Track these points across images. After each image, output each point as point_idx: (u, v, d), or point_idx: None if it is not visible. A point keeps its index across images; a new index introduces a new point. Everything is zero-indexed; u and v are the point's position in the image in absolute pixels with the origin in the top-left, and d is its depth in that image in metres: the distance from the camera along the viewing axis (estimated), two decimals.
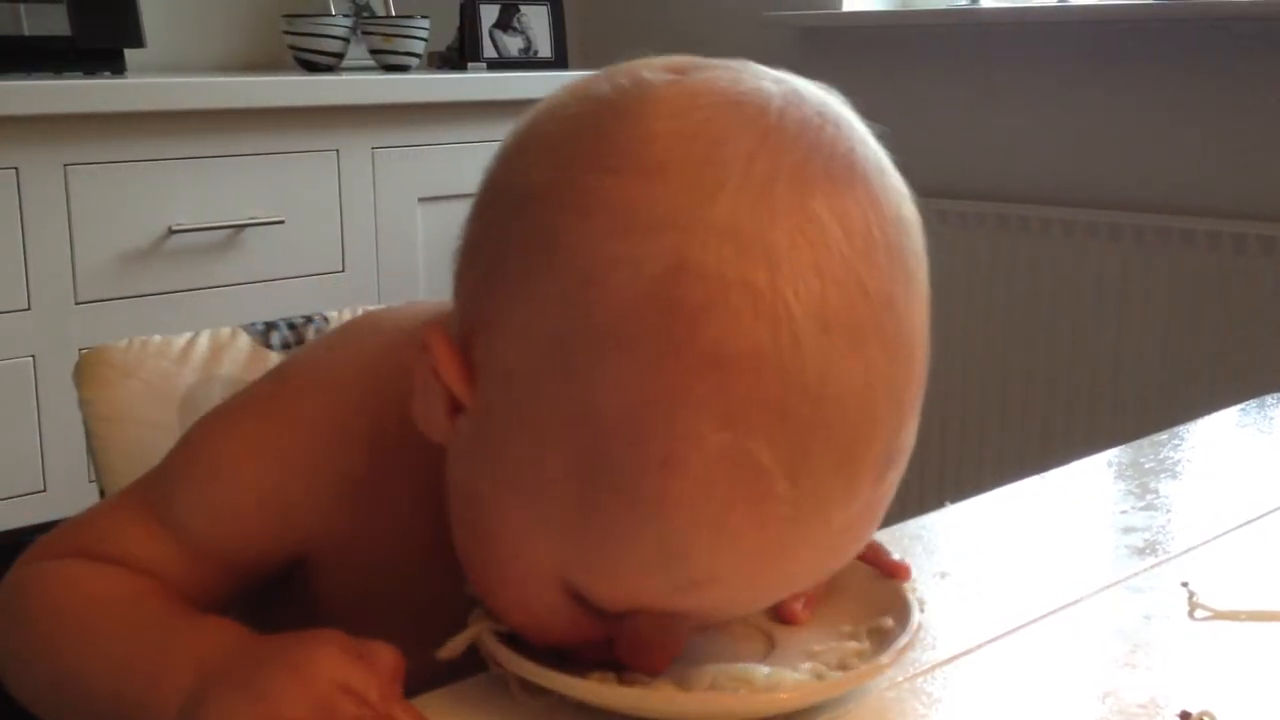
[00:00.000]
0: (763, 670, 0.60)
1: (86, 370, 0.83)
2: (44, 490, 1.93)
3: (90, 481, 1.97)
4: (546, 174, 0.54)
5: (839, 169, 0.53)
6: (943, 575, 0.76)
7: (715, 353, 0.49)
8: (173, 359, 0.85)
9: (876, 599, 0.66)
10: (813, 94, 0.56)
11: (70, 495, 1.95)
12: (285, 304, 2.00)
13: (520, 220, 0.54)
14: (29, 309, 1.89)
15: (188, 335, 0.88)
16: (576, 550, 0.55)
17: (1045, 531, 0.84)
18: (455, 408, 0.57)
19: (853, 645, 0.63)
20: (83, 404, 0.83)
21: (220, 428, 0.67)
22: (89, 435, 0.83)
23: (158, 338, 0.87)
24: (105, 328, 1.96)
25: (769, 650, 0.65)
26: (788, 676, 0.59)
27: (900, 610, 0.64)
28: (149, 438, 0.81)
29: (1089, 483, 0.94)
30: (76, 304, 1.94)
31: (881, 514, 0.57)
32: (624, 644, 0.59)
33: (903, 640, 0.62)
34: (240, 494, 0.65)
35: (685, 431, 0.50)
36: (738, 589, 0.55)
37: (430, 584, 0.65)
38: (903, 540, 0.80)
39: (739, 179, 0.50)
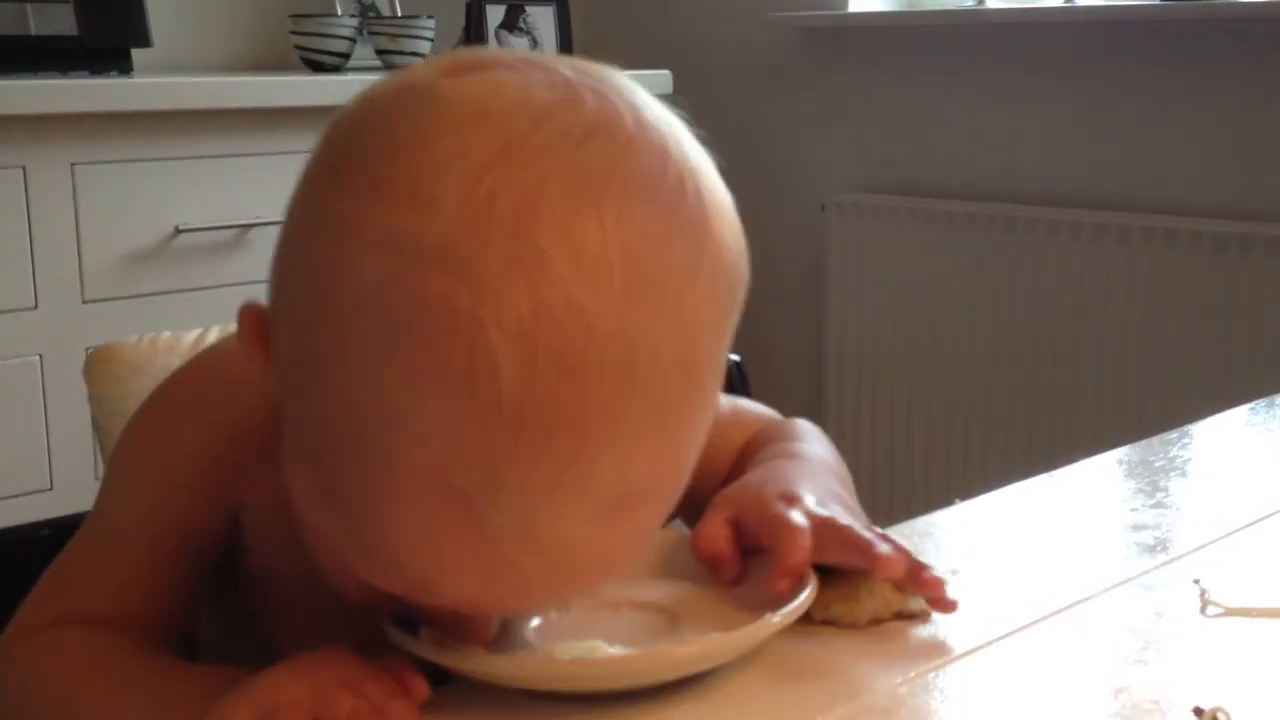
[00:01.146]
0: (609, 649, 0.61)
1: (96, 366, 0.83)
2: (50, 488, 1.93)
3: (96, 480, 1.97)
4: (302, 185, 0.56)
5: (587, 188, 0.50)
6: (953, 572, 0.76)
7: (413, 374, 0.49)
8: (182, 355, 0.85)
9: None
10: (596, 102, 0.53)
11: (76, 493, 1.95)
12: None
13: (283, 229, 0.56)
14: (36, 308, 1.90)
15: (197, 331, 0.88)
16: (338, 538, 0.57)
17: (1055, 529, 0.84)
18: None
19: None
20: (92, 400, 0.83)
21: (136, 438, 0.70)
22: (97, 430, 0.83)
23: (167, 334, 0.87)
24: (112, 327, 1.95)
25: (671, 628, 0.66)
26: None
27: (803, 583, 0.64)
28: None
29: (1098, 481, 0.94)
30: (83, 303, 1.94)
31: (639, 543, 0.56)
32: (434, 616, 0.60)
33: (792, 605, 0.62)
34: (170, 485, 0.68)
35: (387, 448, 0.51)
36: (469, 599, 0.56)
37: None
38: (913, 537, 0.80)
39: (461, 197, 0.49)
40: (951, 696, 0.62)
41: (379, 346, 0.50)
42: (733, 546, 0.67)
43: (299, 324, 0.54)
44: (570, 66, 0.54)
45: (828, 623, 0.68)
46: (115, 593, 0.67)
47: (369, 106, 0.55)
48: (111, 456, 0.72)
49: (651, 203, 0.51)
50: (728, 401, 0.86)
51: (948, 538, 0.82)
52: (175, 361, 0.84)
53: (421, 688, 0.57)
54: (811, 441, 0.78)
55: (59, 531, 0.78)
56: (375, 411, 0.51)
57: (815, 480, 0.71)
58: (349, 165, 0.53)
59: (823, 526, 0.66)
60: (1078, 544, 0.82)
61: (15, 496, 1.90)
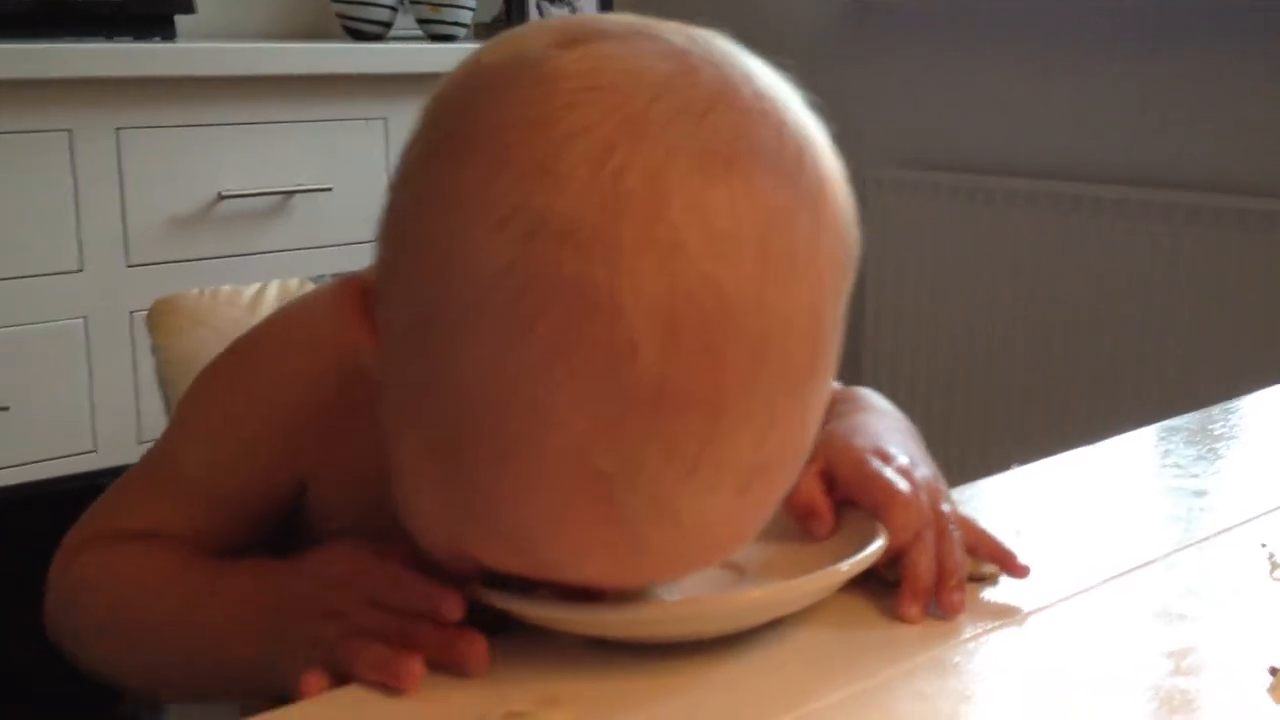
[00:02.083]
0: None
1: (159, 318, 0.84)
2: (94, 450, 1.95)
3: (140, 443, 1.99)
4: (413, 159, 0.54)
5: (713, 162, 0.49)
6: (1017, 532, 0.75)
7: (549, 353, 0.48)
8: (242, 308, 0.85)
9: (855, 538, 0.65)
10: (711, 72, 0.52)
11: (120, 455, 1.96)
12: (331, 270, 2.00)
13: (394, 203, 0.55)
14: (81, 271, 1.91)
15: (257, 285, 0.89)
16: (454, 518, 0.55)
17: (1118, 493, 0.84)
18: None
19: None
20: (155, 350, 0.84)
21: (210, 388, 0.70)
22: (161, 381, 0.83)
23: (227, 287, 0.87)
24: (156, 291, 1.94)
25: (738, 582, 0.66)
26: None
27: (869, 536, 0.64)
28: None
29: (1159, 447, 0.93)
30: (128, 267, 1.95)
31: (764, 516, 0.56)
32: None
33: (862, 555, 0.62)
34: (237, 444, 0.68)
35: (521, 429, 0.50)
36: (596, 577, 0.55)
37: (384, 519, 0.64)
38: (973, 500, 0.80)
39: (588, 174, 0.48)
40: (1016, 655, 0.61)
41: (513, 329, 0.49)
42: (826, 499, 0.66)
43: (420, 303, 0.53)
44: (679, 34, 0.54)
45: (899, 582, 0.68)
46: (170, 526, 0.68)
47: (478, 79, 0.54)
48: (183, 399, 0.72)
49: (774, 174, 0.51)
50: None
51: (1008, 501, 0.81)
52: (236, 314, 0.84)
53: (455, 607, 0.57)
54: (881, 403, 0.78)
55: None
56: (510, 395, 0.50)
57: (899, 436, 0.71)
58: (464, 141, 0.51)
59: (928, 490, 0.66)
60: (1140, 508, 0.81)
61: (59, 458, 1.91)
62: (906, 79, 2.59)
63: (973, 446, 2.46)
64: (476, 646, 0.57)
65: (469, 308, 0.50)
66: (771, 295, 0.50)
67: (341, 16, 2.38)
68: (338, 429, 0.67)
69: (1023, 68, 2.44)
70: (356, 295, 0.57)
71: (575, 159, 0.48)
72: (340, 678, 0.56)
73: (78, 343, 1.92)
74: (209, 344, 0.83)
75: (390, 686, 0.55)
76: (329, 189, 2.12)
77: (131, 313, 1.96)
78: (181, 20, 2.20)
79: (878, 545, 0.63)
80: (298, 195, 2.10)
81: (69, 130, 1.87)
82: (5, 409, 1.84)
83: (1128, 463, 0.90)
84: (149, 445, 2.03)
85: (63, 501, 0.79)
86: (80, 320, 1.91)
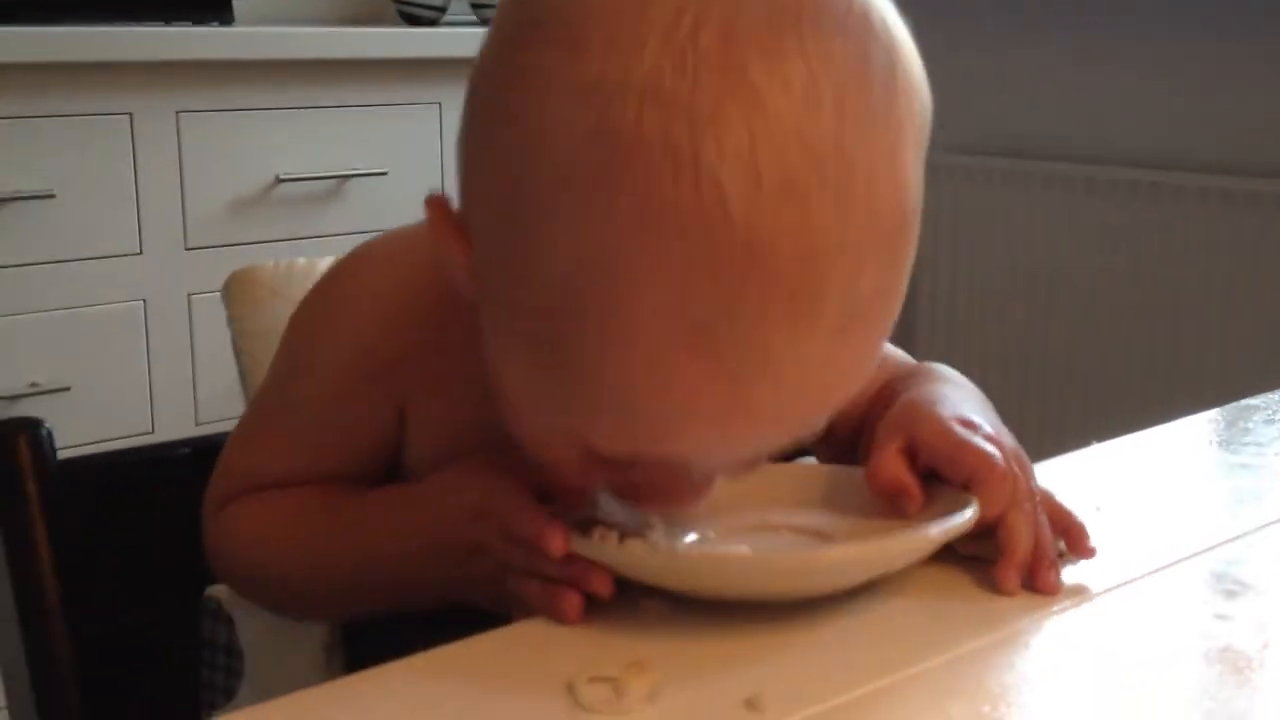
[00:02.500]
0: None
1: (236, 289, 0.84)
2: (152, 432, 1.96)
3: (197, 424, 2.00)
4: (495, 47, 0.56)
5: (782, 19, 0.51)
6: (1097, 509, 0.75)
7: (639, 214, 0.50)
8: (317, 280, 0.85)
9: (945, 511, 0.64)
10: None
11: (177, 437, 1.97)
12: None
13: (477, 95, 0.57)
14: (141, 253, 1.92)
15: (330, 257, 0.88)
16: (560, 406, 0.57)
17: (1198, 470, 0.83)
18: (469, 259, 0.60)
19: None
20: (231, 321, 0.84)
21: (304, 323, 0.72)
22: (237, 352, 0.84)
23: (302, 260, 0.87)
24: (215, 273, 1.96)
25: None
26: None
27: (960, 506, 0.63)
28: None
29: (1238, 425, 0.92)
30: (186, 250, 1.96)
31: (862, 367, 0.57)
32: (644, 490, 0.60)
33: (953, 521, 0.61)
34: (336, 370, 0.69)
35: (619, 293, 0.51)
36: (703, 442, 0.56)
37: (488, 442, 0.66)
38: (1052, 476, 0.79)
39: (662, 36, 0.50)
40: (1095, 631, 0.60)
41: (600, 192, 0.50)
42: (912, 475, 0.65)
43: (508, 187, 0.54)
44: None
45: (972, 558, 0.67)
46: (294, 471, 0.70)
47: None
48: (282, 341, 0.73)
49: (842, 32, 0.52)
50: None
51: (1089, 478, 0.81)
52: (311, 286, 0.84)
53: (558, 541, 0.58)
54: (956, 376, 0.77)
55: (199, 451, 0.78)
56: (604, 258, 0.51)
57: (979, 406, 0.70)
58: (542, 25, 0.53)
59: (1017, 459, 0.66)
60: (1220, 486, 0.80)
61: (117, 439, 1.93)
62: (955, 64, 2.57)
63: (1028, 433, 2.44)
64: (571, 599, 0.58)
65: (556, 181, 0.51)
66: (851, 142, 0.51)
67: (396, 1, 2.39)
68: (432, 349, 0.68)
69: (1078, 52, 2.42)
70: (443, 208, 0.59)
71: (650, 25, 0.50)
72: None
73: (137, 325, 1.93)
74: (285, 316, 0.82)
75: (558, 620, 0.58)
76: (384, 173, 2.13)
77: (190, 295, 1.97)
78: (239, 4, 2.21)
79: (970, 513, 0.62)
80: (354, 179, 2.11)
81: (130, 114, 1.88)
82: (67, 389, 1.86)
83: (1206, 441, 0.89)
84: (206, 428, 2.04)
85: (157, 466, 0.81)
86: (140, 302, 1.93)
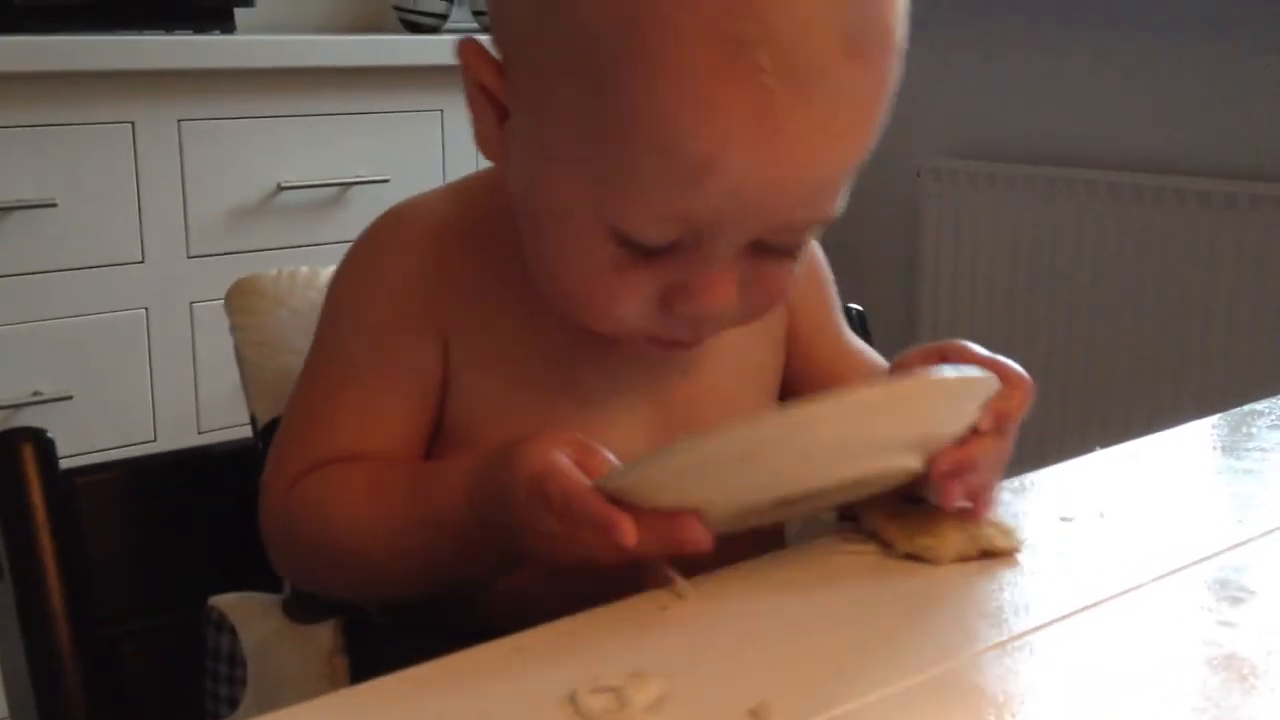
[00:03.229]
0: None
1: (238, 298, 0.84)
2: (154, 440, 1.96)
3: (200, 432, 2.00)
4: None
5: None
6: (1101, 515, 0.75)
7: None
8: (319, 289, 0.85)
9: None
10: None
11: (180, 445, 1.97)
12: None
13: None
14: (143, 262, 1.92)
15: (332, 266, 0.88)
16: (599, 177, 0.61)
17: (1202, 476, 0.83)
18: (502, 115, 0.67)
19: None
20: (234, 330, 0.84)
21: (351, 279, 0.74)
22: (240, 361, 0.84)
23: (305, 268, 0.87)
24: (216, 281, 1.96)
25: None
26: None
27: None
28: (297, 365, 0.81)
29: (1243, 431, 0.92)
30: (189, 258, 1.97)
31: (878, 96, 0.62)
32: (674, 296, 0.64)
33: (969, 373, 0.65)
34: (384, 327, 0.71)
35: (655, 20, 0.57)
36: (742, 175, 0.59)
37: (536, 367, 0.71)
38: (1056, 481, 0.79)
39: None
40: (1100, 638, 0.60)
41: None
42: None
43: None
44: None
45: (911, 557, 0.67)
46: (360, 440, 0.70)
47: None
48: (322, 314, 0.75)
49: None
50: (861, 343, 0.86)
51: (1092, 484, 0.80)
52: (314, 295, 0.84)
53: (629, 529, 0.58)
54: None
55: (202, 458, 0.78)
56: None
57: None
58: None
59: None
60: (1225, 491, 0.80)
61: (120, 447, 1.93)
62: (961, 69, 2.57)
63: (1030, 439, 2.44)
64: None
65: None
66: None
67: (398, 9, 2.39)
68: (478, 281, 0.72)
69: (1080, 56, 2.42)
70: (473, 45, 0.67)
71: None
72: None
73: (139, 332, 1.93)
74: (288, 324, 0.83)
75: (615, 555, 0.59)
76: (386, 180, 2.13)
77: (192, 303, 1.97)
78: (240, 13, 2.21)
79: (989, 376, 0.65)
80: (356, 186, 2.11)
81: (132, 122, 1.88)
82: (69, 398, 1.86)
83: (1210, 446, 0.89)
84: (209, 435, 2.04)
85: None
86: (142, 310, 1.93)
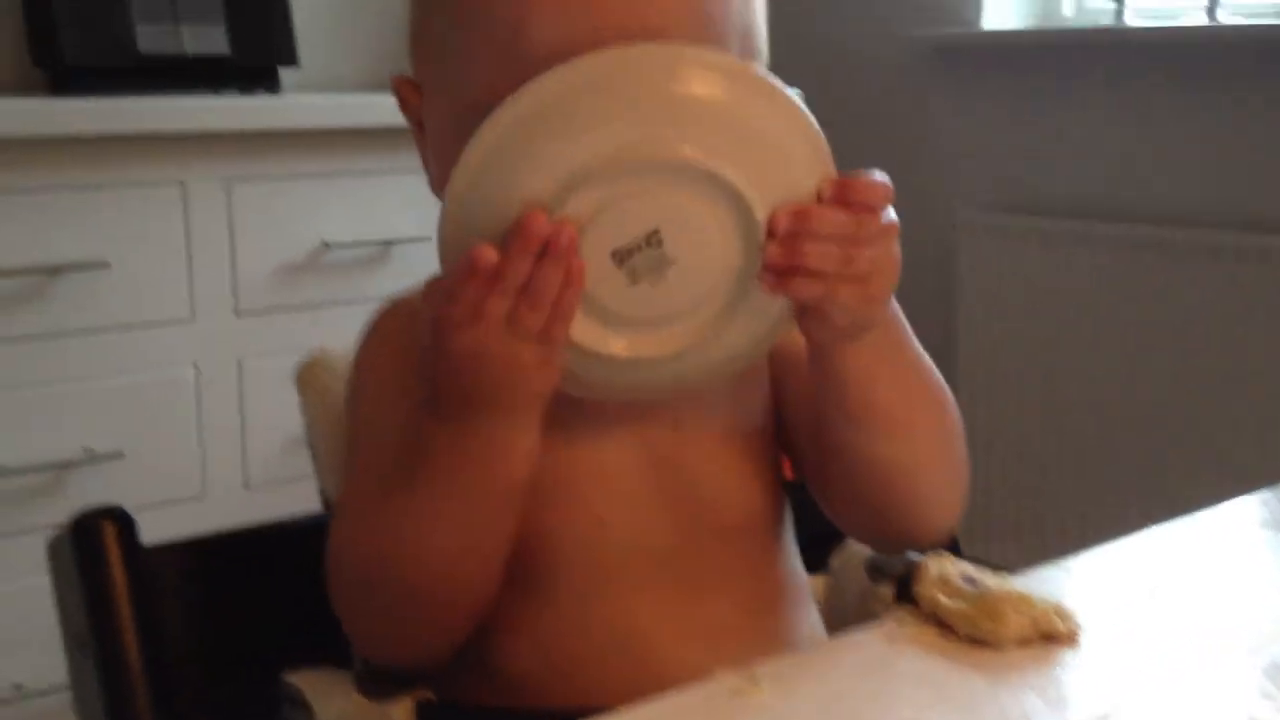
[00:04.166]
0: None
1: (307, 375, 0.86)
2: (202, 497, 1.99)
3: (246, 488, 2.03)
4: None
5: None
6: (1151, 594, 0.76)
7: None
8: None
9: None
10: None
11: (228, 502, 2.00)
12: None
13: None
14: (193, 319, 1.96)
15: None
16: (454, 88, 0.70)
17: (1253, 553, 0.83)
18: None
19: None
20: (303, 408, 0.86)
21: (354, 374, 0.79)
22: (310, 437, 0.86)
23: None
24: (263, 339, 2.01)
25: None
26: None
27: None
28: None
29: None
30: (236, 315, 2.00)
31: None
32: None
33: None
34: (407, 395, 0.73)
35: None
36: (548, 32, 0.65)
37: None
38: (1104, 561, 0.80)
39: None
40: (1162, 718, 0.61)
41: None
42: None
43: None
44: None
45: (974, 640, 0.67)
46: None
47: None
48: (348, 412, 0.78)
49: None
50: None
51: (1143, 562, 0.81)
52: None
53: (488, 252, 0.63)
54: None
55: (281, 534, 0.81)
56: None
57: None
58: None
59: None
60: (1277, 571, 0.81)
61: (168, 504, 1.96)
62: (998, 122, 2.59)
63: (1071, 493, 2.44)
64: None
65: None
66: None
67: None
68: None
69: (1118, 111, 2.43)
70: (402, 83, 0.76)
71: None
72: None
73: (188, 389, 1.96)
74: None
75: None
76: (428, 238, 2.15)
77: (240, 359, 2.00)
78: (285, 72, 2.26)
79: (804, 120, 0.64)
80: (399, 244, 2.14)
81: (182, 182, 1.92)
82: (120, 455, 1.89)
83: (1260, 522, 0.89)
84: (256, 491, 2.06)
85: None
86: (191, 367, 1.96)
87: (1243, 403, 2.22)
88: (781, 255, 0.63)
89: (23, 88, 2.19)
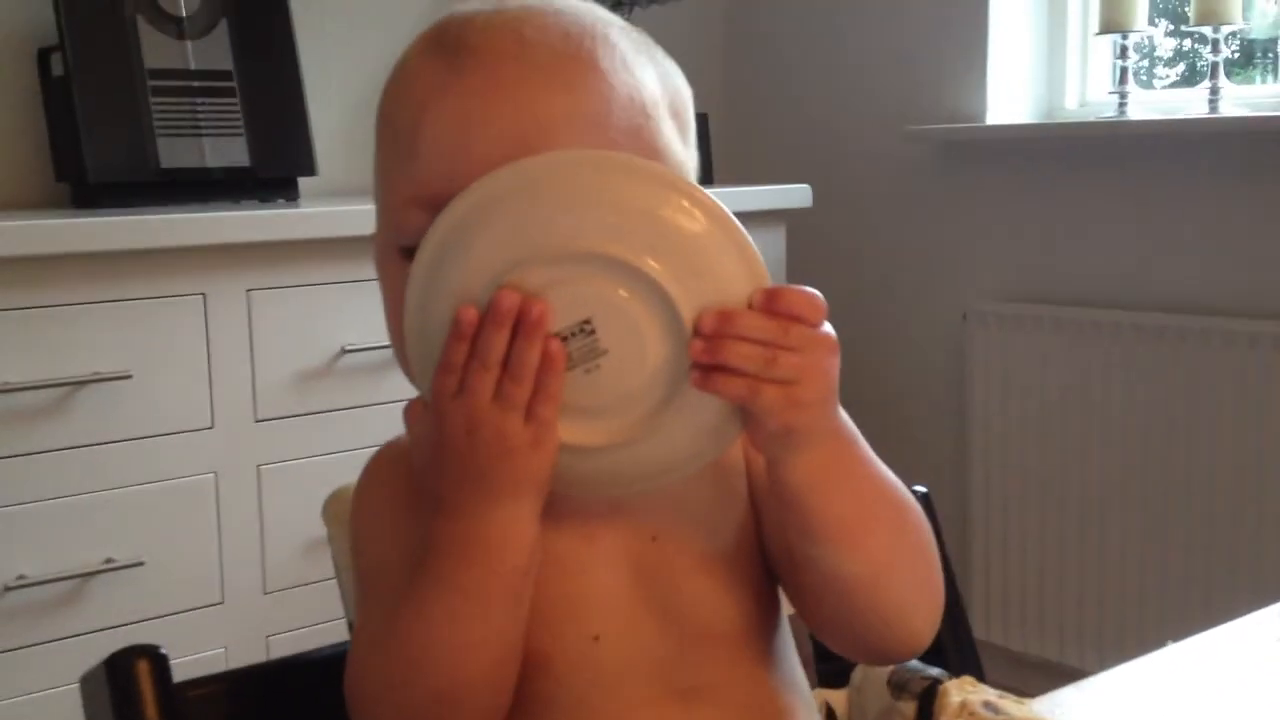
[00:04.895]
0: None
1: (334, 508, 0.87)
2: (222, 603, 2.00)
3: (265, 593, 2.04)
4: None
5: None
6: (1168, 717, 0.76)
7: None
8: None
9: None
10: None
11: (247, 608, 2.01)
12: None
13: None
14: (212, 427, 1.98)
15: None
16: (381, 208, 0.75)
17: (1269, 671, 0.84)
18: None
19: None
20: (331, 540, 0.87)
21: (364, 516, 0.81)
22: (338, 570, 0.87)
23: None
24: (282, 445, 2.03)
25: None
26: None
27: None
28: None
29: None
30: (256, 422, 2.02)
31: (541, 69, 0.71)
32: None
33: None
34: (407, 524, 0.75)
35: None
36: (439, 126, 0.70)
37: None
38: (1120, 682, 0.81)
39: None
40: None
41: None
42: None
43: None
44: None
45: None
46: None
47: None
48: (353, 553, 0.80)
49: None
50: None
51: (1165, 683, 0.82)
52: None
53: (469, 312, 0.66)
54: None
55: (312, 666, 0.82)
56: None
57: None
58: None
59: None
60: None
61: (188, 611, 1.97)
62: (1005, 214, 2.62)
63: (1086, 586, 2.44)
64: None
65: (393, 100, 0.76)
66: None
67: None
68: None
69: (1123, 201, 2.46)
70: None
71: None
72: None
73: (208, 496, 1.98)
74: None
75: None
76: None
77: (259, 466, 2.02)
78: (304, 180, 2.30)
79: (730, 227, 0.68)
80: None
81: (203, 294, 1.95)
82: (140, 564, 1.90)
83: (1276, 638, 0.90)
84: (274, 596, 2.07)
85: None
86: (210, 475, 1.98)
87: (1253, 487, 2.23)
88: (704, 352, 0.66)
89: (46, 203, 2.24)
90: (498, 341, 0.65)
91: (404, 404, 0.74)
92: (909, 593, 0.77)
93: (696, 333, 0.66)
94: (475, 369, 0.66)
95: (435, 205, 0.67)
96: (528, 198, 0.65)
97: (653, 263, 0.65)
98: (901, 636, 0.78)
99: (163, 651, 0.77)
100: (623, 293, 0.66)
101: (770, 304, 0.67)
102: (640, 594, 0.76)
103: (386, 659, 0.72)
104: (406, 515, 0.75)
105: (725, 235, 0.67)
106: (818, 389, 0.68)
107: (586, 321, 0.66)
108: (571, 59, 0.71)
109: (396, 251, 0.72)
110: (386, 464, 0.81)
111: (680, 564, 0.77)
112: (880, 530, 0.75)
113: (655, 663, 0.76)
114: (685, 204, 0.66)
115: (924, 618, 0.78)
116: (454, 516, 0.70)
